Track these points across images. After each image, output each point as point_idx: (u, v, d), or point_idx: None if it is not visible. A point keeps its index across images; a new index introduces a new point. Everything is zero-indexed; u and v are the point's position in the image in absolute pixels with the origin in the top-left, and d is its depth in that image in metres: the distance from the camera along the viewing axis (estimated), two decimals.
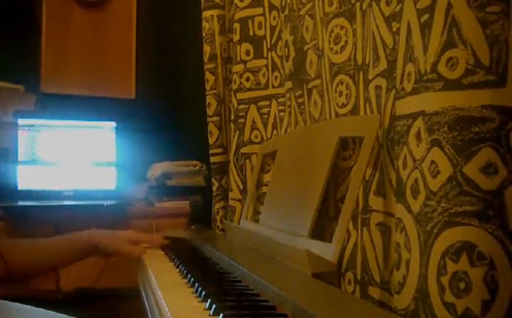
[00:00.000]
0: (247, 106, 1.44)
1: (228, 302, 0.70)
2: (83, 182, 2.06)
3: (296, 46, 1.16)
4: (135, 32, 2.38)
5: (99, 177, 2.08)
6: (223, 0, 1.70)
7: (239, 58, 1.46)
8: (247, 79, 1.44)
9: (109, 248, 1.26)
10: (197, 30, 1.78)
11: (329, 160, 0.94)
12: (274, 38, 1.38)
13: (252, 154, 1.44)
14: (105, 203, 1.94)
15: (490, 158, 0.54)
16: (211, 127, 1.70)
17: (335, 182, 0.98)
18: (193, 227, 1.81)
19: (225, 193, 1.62)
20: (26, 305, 0.91)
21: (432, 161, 0.57)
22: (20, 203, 1.89)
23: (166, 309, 0.71)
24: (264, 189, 1.34)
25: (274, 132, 1.39)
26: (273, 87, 1.40)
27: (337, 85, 0.98)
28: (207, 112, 1.70)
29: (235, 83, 1.48)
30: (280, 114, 1.35)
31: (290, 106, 1.24)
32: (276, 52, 1.38)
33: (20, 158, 1.98)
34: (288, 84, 1.23)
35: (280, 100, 1.36)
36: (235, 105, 1.47)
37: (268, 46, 1.41)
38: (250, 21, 1.44)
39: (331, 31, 1.00)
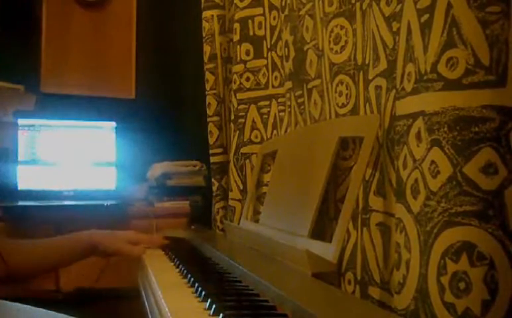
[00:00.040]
0: (247, 106, 1.44)
1: (228, 302, 0.70)
2: (83, 182, 2.06)
3: (296, 46, 1.16)
4: (135, 32, 2.38)
5: (99, 177, 2.08)
6: (223, 0, 1.70)
7: (239, 58, 1.46)
8: (247, 79, 1.44)
9: (109, 248, 1.26)
10: (197, 30, 1.78)
11: (329, 160, 0.94)
12: (274, 38, 1.38)
13: (252, 154, 1.44)
14: (105, 203, 1.94)
15: (490, 158, 0.54)
16: (211, 127, 1.70)
17: (335, 182, 0.98)
18: (193, 227, 1.81)
19: (225, 193, 1.62)
20: (26, 305, 0.91)
21: (432, 161, 0.57)
22: (20, 203, 1.89)
23: (166, 309, 0.71)
24: (264, 189, 1.34)
25: (274, 132, 1.39)
26: (273, 87, 1.40)
27: (337, 85, 0.98)
28: (207, 112, 1.70)
29: (235, 83, 1.48)
30: (280, 114, 1.35)
31: (290, 106, 1.24)
32: (276, 51, 1.38)
33: (20, 158, 1.98)
34: (288, 84, 1.23)
35: (280, 100, 1.36)
36: (235, 105, 1.47)
37: (268, 46, 1.41)
38: (250, 21, 1.44)
39: (331, 31, 1.00)
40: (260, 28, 1.43)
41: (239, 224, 1.41)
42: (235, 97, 1.47)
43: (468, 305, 0.52)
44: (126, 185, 2.10)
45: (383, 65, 0.83)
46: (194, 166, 2.07)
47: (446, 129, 0.56)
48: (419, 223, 0.58)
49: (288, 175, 1.16)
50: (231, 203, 1.50)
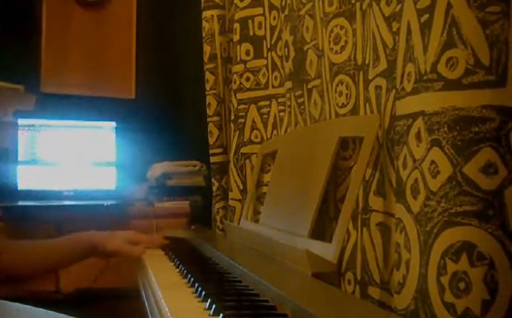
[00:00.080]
0: (247, 106, 1.44)
1: (228, 302, 0.70)
2: (83, 182, 2.06)
3: (296, 46, 1.16)
4: (135, 32, 2.37)
5: (99, 177, 2.08)
6: (223, 0, 1.70)
7: (239, 58, 1.46)
8: (247, 79, 1.44)
9: (108, 248, 1.26)
10: (197, 30, 1.78)
11: (329, 160, 0.94)
12: (274, 38, 1.38)
13: (252, 154, 1.44)
14: (105, 203, 1.94)
15: (490, 158, 0.54)
16: (211, 127, 1.70)
17: (335, 182, 0.98)
18: (193, 227, 1.81)
19: (225, 193, 1.62)
20: (26, 305, 0.91)
21: (432, 161, 0.57)
22: (20, 203, 1.89)
23: (166, 309, 0.71)
24: (264, 189, 1.34)
25: (274, 132, 1.39)
26: (273, 87, 1.40)
27: (337, 85, 0.98)
28: (207, 112, 1.70)
29: (235, 83, 1.48)
30: (280, 114, 1.35)
31: (290, 106, 1.24)
32: (276, 52, 1.38)
33: (20, 158, 1.98)
34: (288, 84, 1.23)
35: (280, 100, 1.36)
36: (235, 105, 1.47)
37: (268, 46, 1.41)
38: (250, 21, 1.44)
39: (331, 31, 1.00)
40: (260, 28, 1.43)
41: (239, 224, 1.41)
42: (235, 97, 1.47)
43: (468, 305, 0.52)
44: (126, 185, 2.10)
45: (382, 65, 0.83)
46: (194, 166, 2.07)
47: (445, 129, 0.56)
48: (419, 223, 0.58)
49: (288, 175, 1.16)
50: (231, 203, 1.50)
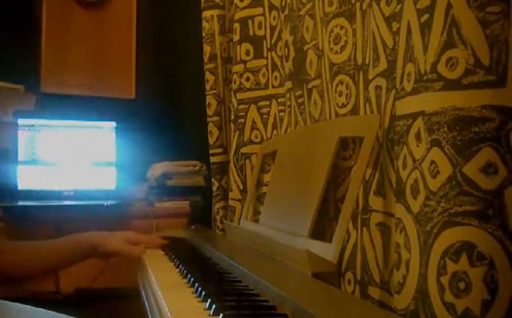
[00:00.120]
0: (247, 106, 1.44)
1: (228, 302, 0.70)
2: (83, 182, 2.06)
3: (296, 46, 1.16)
4: (135, 32, 2.38)
5: (99, 177, 2.08)
6: (223, 0, 1.70)
7: (239, 58, 1.46)
8: (247, 79, 1.44)
9: (108, 249, 1.26)
10: (197, 30, 1.78)
11: (329, 160, 0.94)
12: (274, 38, 1.38)
13: (252, 154, 1.44)
14: (105, 203, 1.94)
15: (490, 158, 0.54)
16: (211, 127, 1.70)
17: (335, 182, 0.98)
18: (193, 227, 1.81)
19: (225, 193, 1.62)
20: (26, 305, 0.91)
21: (432, 161, 0.57)
22: (20, 203, 1.89)
23: (166, 309, 0.71)
24: (264, 189, 1.34)
25: (274, 132, 1.39)
26: (273, 87, 1.40)
27: (337, 85, 0.98)
28: (207, 112, 1.70)
29: (235, 83, 1.48)
30: (280, 114, 1.35)
31: (290, 106, 1.24)
32: (276, 52, 1.38)
33: (20, 158, 1.98)
34: (288, 84, 1.23)
35: (280, 100, 1.36)
36: (235, 105, 1.47)
37: (268, 46, 1.41)
38: (250, 21, 1.44)
39: (331, 31, 1.00)
40: (260, 28, 1.43)
41: (239, 224, 1.41)
42: (235, 97, 1.47)
43: (468, 305, 0.52)
44: (126, 185, 2.10)
45: (382, 65, 0.83)
46: (194, 166, 2.07)
47: (445, 129, 0.56)
48: (419, 223, 0.58)
49: (288, 175, 1.16)
50: (231, 203, 1.50)
